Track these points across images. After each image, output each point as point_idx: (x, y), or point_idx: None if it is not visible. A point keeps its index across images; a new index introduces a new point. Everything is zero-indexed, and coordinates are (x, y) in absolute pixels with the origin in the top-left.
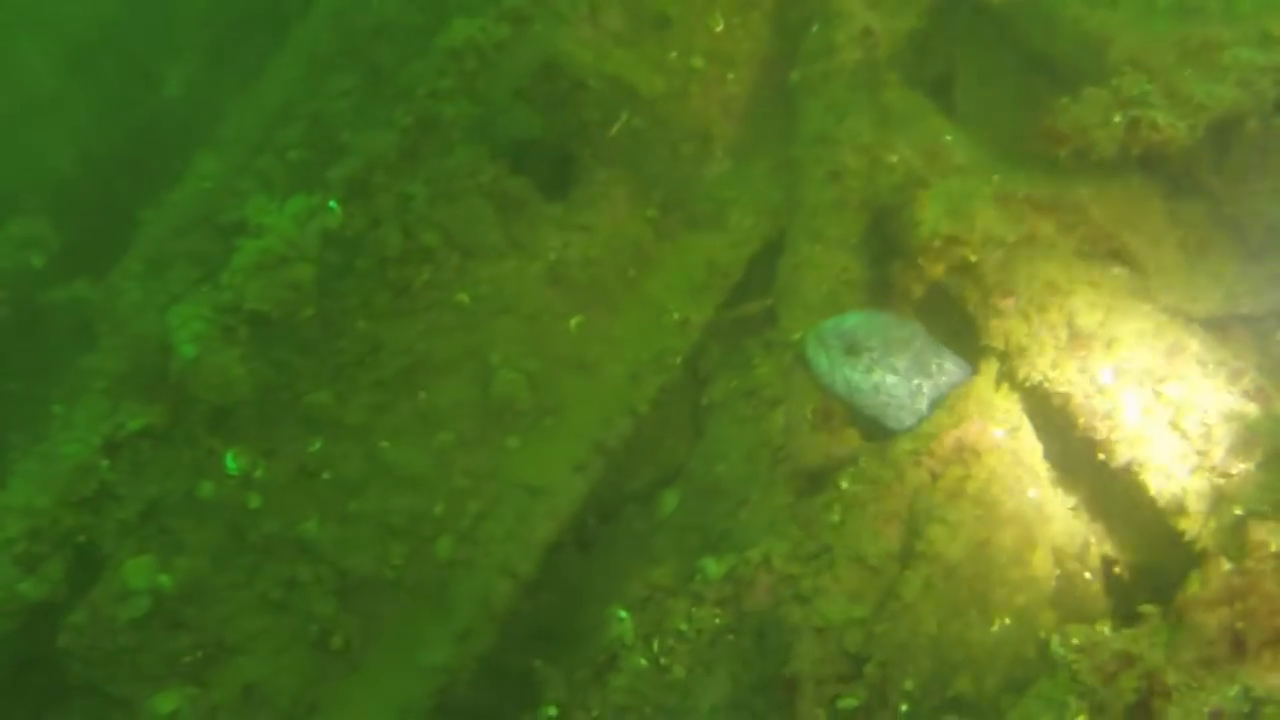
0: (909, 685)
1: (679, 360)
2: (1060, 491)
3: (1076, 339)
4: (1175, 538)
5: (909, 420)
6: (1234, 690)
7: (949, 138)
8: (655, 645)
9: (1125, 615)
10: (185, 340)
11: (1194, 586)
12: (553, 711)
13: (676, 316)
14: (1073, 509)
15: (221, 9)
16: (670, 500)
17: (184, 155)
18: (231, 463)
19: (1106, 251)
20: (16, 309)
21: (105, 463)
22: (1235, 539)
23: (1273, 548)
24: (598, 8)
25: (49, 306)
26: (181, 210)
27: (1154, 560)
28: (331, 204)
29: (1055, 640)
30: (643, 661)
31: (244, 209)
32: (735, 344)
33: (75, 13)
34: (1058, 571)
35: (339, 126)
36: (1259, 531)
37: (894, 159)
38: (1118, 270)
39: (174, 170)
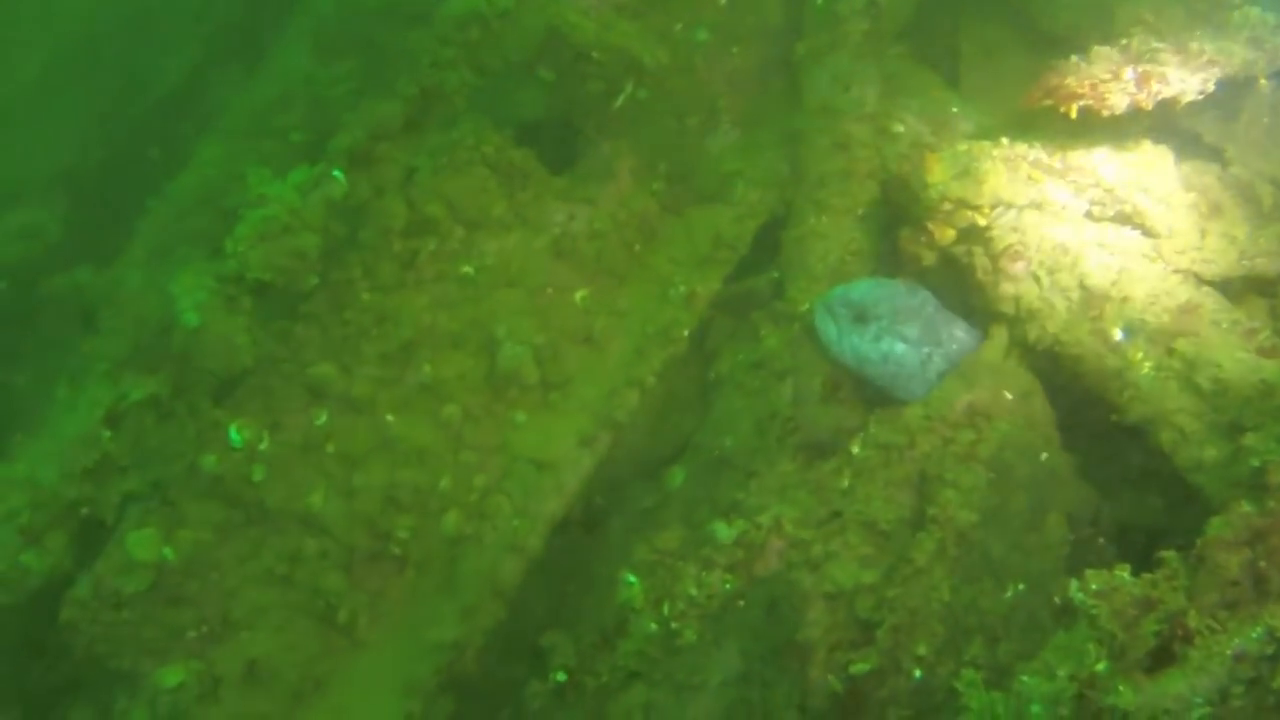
0: (922, 650)
1: (686, 333)
2: (1073, 455)
3: (1089, 300)
4: (1190, 498)
5: (919, 390)
6: (1257, 631)
7: (955, 109)
8: (665, 609)
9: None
10: (188, 309)
11: (1215, 529)
12: (562, 676)
13: (683, 289)
14: (1085, 473)
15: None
16: (678, 475)
17: (187, 144)
18: (235, 435)
19: (1117, 214)
20: (19, 299)
21: (107, 434)
22: (1255, 484)
23: None
24: None
25: (51, 295)
26: (185, 196)
27: (1167, 523)
28: (336, 173)
29: (1074, 586)
30: (652, 625)
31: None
32: (742, 316)
33: (76, 5)
34: (1071, 535)
35: (341, 109)
36: (1279, 474)
37: (900, 129)
38: (1129, 232)
39: (177, 159)
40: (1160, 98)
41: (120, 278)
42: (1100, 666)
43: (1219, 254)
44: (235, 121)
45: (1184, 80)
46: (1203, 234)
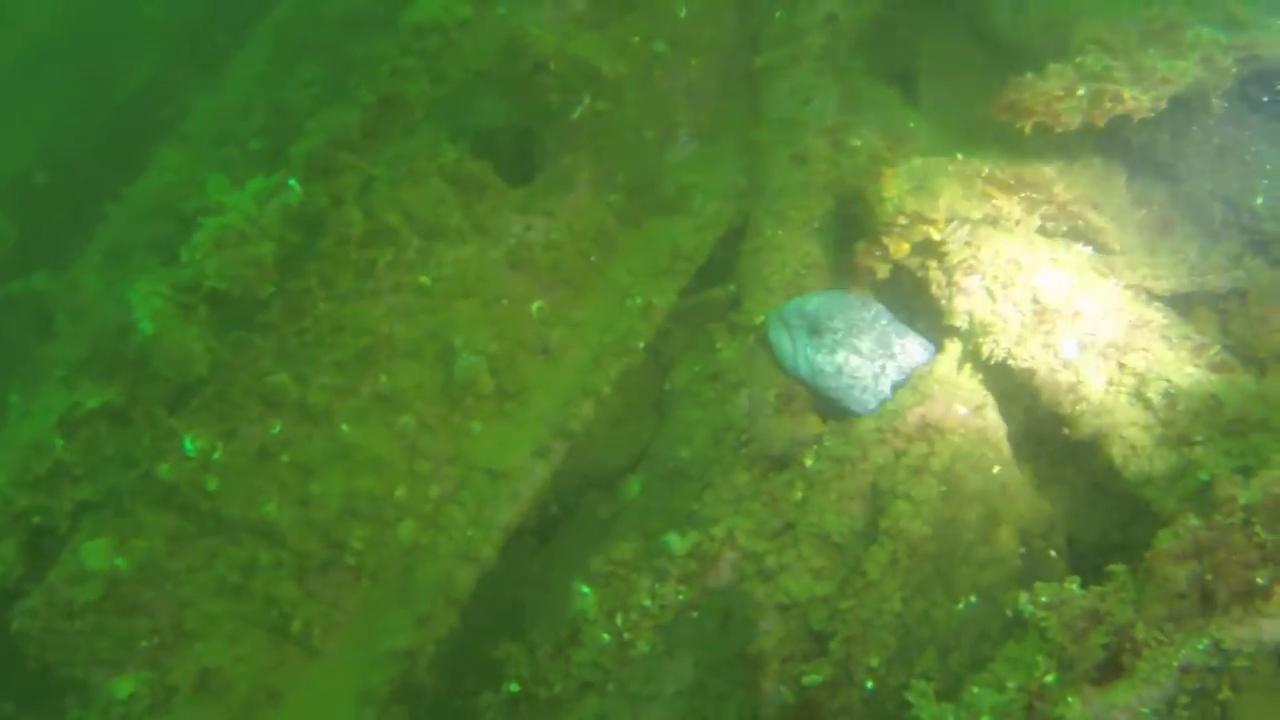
0: (874, 662)
1: (642, 344)
2: (1024, 469)
3: (1041, 314)
4: (1140, 513)
5: (872, 402)
6: (1203, 643)
7: (912, 123)
8: (619, 620)
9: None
10: (144, 316)
11: (1163, 542)
12: (515, 687)
13: (639, 301)
14: (1037, 486)
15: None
16: (634, 485)
17: (146, 150)
18: (190, 444)
19: (1070, 230)
20: None
21: (60, 441)
22: (1203, 498)
23: (1241, 501)
24: None
25: (7, 300)
26: (143, 202)
27: (1118, 537)
28: (291, 181)
29: (1024, 599)
30: (605, 636)
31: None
32: (699, 328)
33: (35, 11)
34: (1023, 549)
35: (302, 116)
36: (1226, 486)
37: (858, 143)
38: (1081, 248)
39: (136, 165)
40: (1113, 115)
41: (77, 282)
42: (1049, 678)
43: (1169, 270)
44: (195, 127)
45: (1137, 98)
46: (1153, 250)
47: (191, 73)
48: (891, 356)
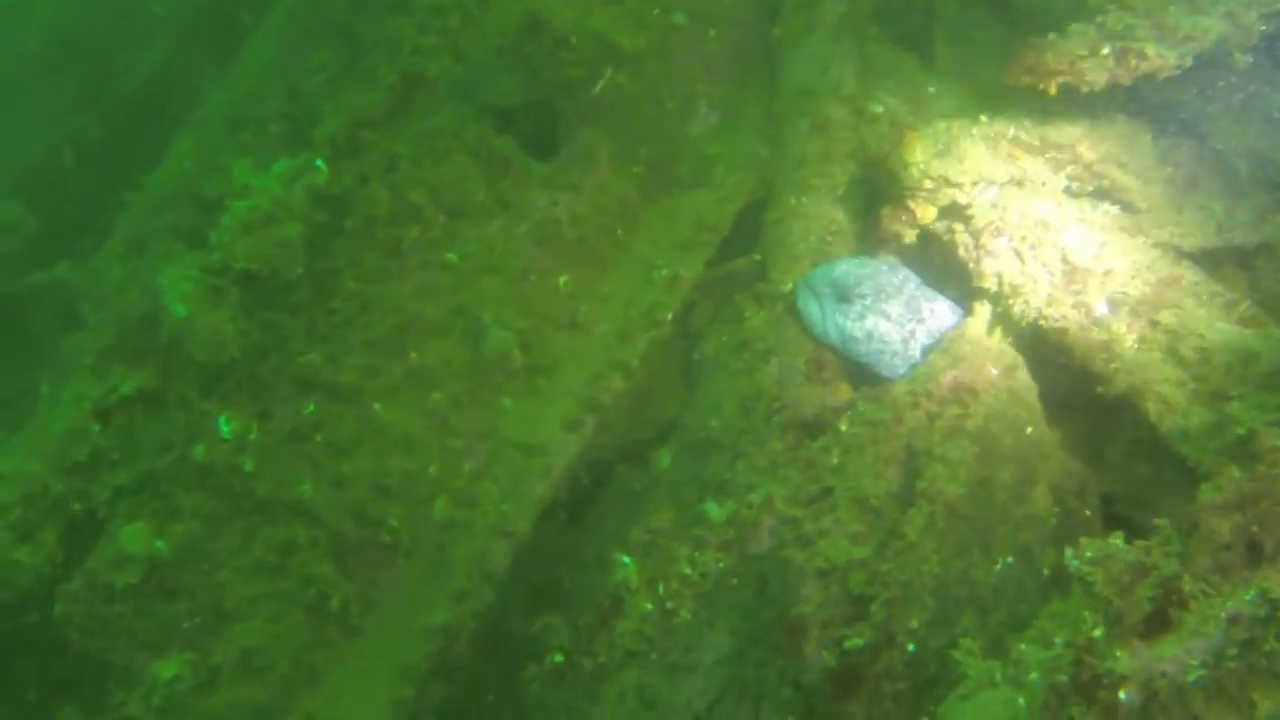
0: (914, 624)
1: (669, 316)
2: (1056, 428)
3: (1071, 274)
4: (1173, 468)
5: (902, 367)
6: (1250, 594)
7: (932, 89)
8: (660, 589)
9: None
10: (175, 300)
11: (1206, 494)
12: (559, 658)
13: (665, 273)
14: (1069, 445)
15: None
16: (664, 457)
17: (161, 138)
18: (225, 426)
19: (1096, 189)
20: None
21: (97, 427)
22: (1244, 452)
23: None
24: None
25: (30, 290)
26: (163, 189)
27: (1151, 493)
28: (318, 162)
29: (1069, 554)
30: (648, 605)
31: (228, 178)
32: (725, 298)
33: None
34: (1057, 508)
35: (319, 99)
36: (1270, 438)
37: (879, 109)
38: (1108, 207)
39: (151, 153)
40: (1139, 73)
41: (100, 272)
42: (1097, 632)
43: (1197, 227)
44: (211, 113)
45: (1162, 56)
46: (1180, 207)
47: (202, 60)
48: (921, 320)
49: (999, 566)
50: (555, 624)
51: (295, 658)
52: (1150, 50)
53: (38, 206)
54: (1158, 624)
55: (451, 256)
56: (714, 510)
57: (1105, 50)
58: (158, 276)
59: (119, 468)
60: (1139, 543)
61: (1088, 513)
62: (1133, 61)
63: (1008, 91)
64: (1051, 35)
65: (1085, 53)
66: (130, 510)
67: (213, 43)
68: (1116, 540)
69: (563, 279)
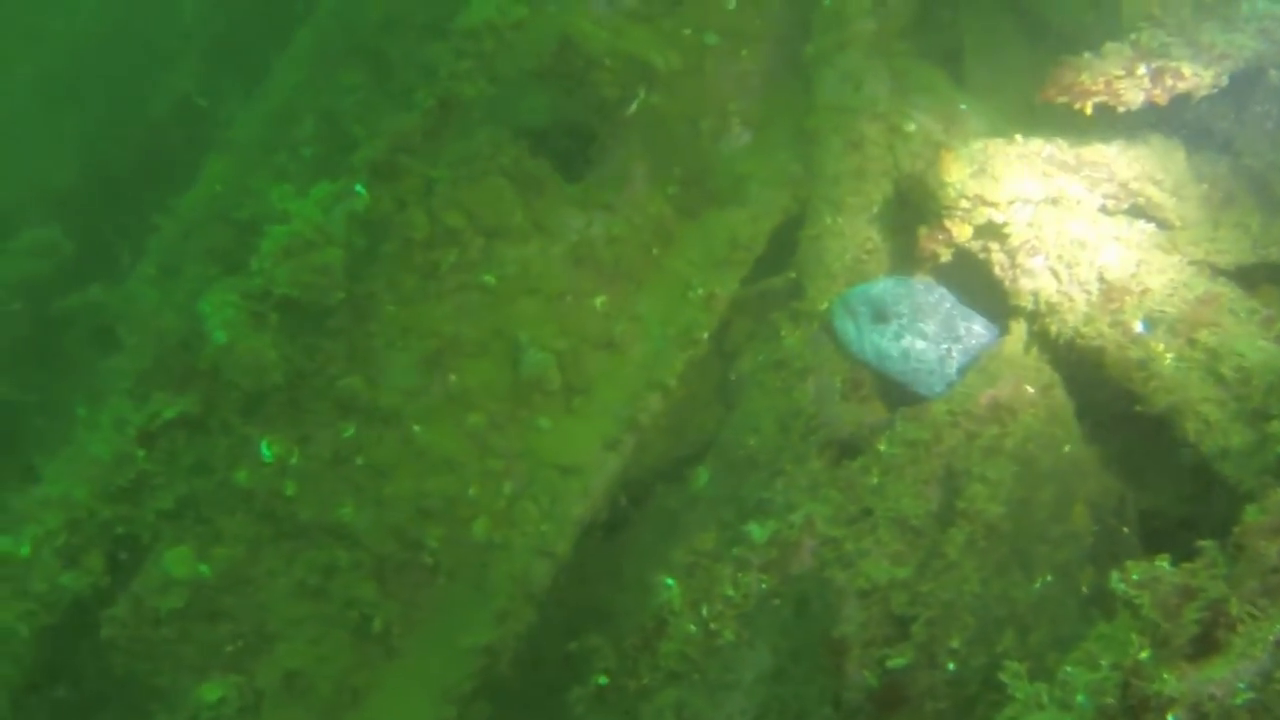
0: (955, 644)
1: (705, 335)
2: (1094, 447)
3: (1108, 292)
4: (1210, 487)
5: (939, 386)
6: None
7: (964, 105)
8: (704, 610)
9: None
10: (217, 326)
11: (1252, 516)
12: (603, 680)
13: (701, 292)
14: (1106, 464)
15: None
16: (702, 475)
17: (189, 161)
18: (266, 450)
19: (1131, 207)
20: (33, 318)
21: (142, 453)
22: None
23: None
24: None
25: (65, 313)
26: (195, 212)
27: (1189, 511)
28: (358, 188)
29: (1115, 577)
30: (691, 627)
31: (264, 202)
32: (761, 317)
33: (70, 25)
34: (1096, 526)
35: (350, 121)
36: None
37: (912, 127)
38: (1144, 225)
39: (180, 176)
40: (1175, 92)
41: (134, 294)
42: (1144, 655)
43: (1232, 243)
44: (242, 136)
45: (1198, 75)
46: (1216, 224)
47: (229, 81)
48: (957, 339)
49: (1038, 585)
50: (599, 645)
51: (338, 679)
52: (1186, 70)
53: (71, 230)
54: (1205, 647)
55: (489, 278)
56: (756, 531)
57: (1141, 70)
58: (198, 302)
59: (162, 492)
60: (1185, 565)
61: (1126, 530)
62: (1169, 81)
63: (1040, 109)
64: (1087, 55)
65: (1121, 72)
66: (174, 534)
67: (240, 63)
68: (1163, 563)
69: (599, 299)
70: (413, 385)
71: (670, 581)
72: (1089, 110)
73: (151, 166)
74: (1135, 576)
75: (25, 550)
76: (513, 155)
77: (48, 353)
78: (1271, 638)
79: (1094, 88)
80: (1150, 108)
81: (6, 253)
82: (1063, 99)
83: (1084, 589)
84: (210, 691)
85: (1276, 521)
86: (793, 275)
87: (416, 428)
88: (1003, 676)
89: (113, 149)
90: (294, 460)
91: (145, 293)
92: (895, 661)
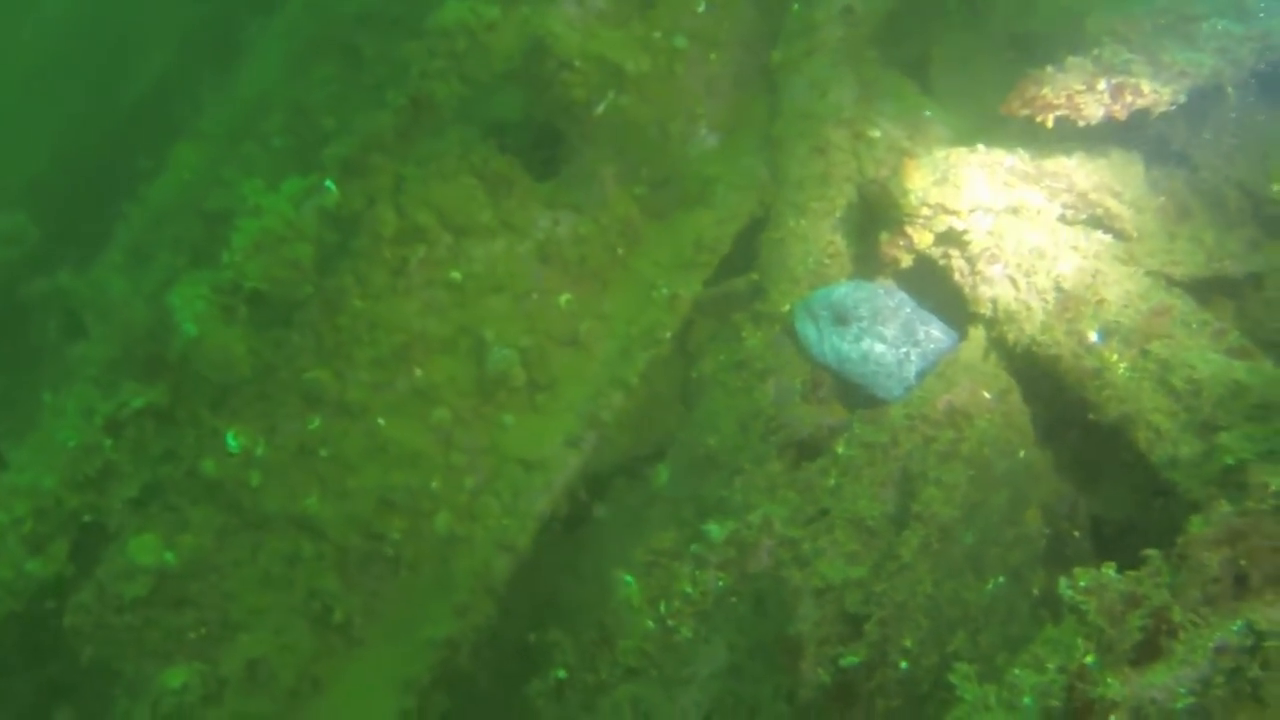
0: (908, 643)
1: (668, 335)
2: (1047, 451)
3: (1064, 302)
4: (1160, 492)
5: (897, 389)
6: (1237, 625)
7: (929, 113)
8: (662, 608)
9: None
10: (187, 319)
11: (1196, 527)
12: (562, 674)
13: (665, 292)
14: (1059, 468)
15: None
16: (663, 473)
17: (158, 148)
18: (233, 441)
19: (1090, 218)
20: None
21: (109, 441)
22: (1232, 482)
23: (1273, 487)
24: None
25: (31, 298)
26: (163, 201)
27: (1139, 516)
28: (328, 183)
29: (1063, 583)
30: (650, 624)
31: (234, 194)
32: (724, 318)
33: (44, 11)
34: (1048, 530)
35: (321, 113)
36: (1259, 474)
37: (876, 134)
38: (1101, 235)
39: (148, 164)
40: (1134, 109)
41: (102, 282)
42: (1089, 659)
43: (1187, 256)
44: (212, 126)
45: (1157, 92)
46: (1172, 237)
47: (201, 70)
48: (916, 343)
49: (990, 586)
50: (558, 640)
51: (300, 668)
52: (1146, 87)
53: (40, 217)
54: (1148, 652)
55: (456, 275)
56: (714, 530)
57: (1102, 85)
58: (168, 294)
59: (129, 481)
60: (1130, 573)
61: (1077, 534)
62: (1129, 97)
63: (1002, 117)
64: (1049, 68)
65: (1082, 87)
66: (140, 523)
67: (212, 52)
68: (1109, 570)
69: (564, 297)
70: (379, 379)
71: (629, 579)
72: (1050, 124)
73: (124, 151)
74: (1082, 583)
75: None
76: (482, 154)
77: (12, 337)
78: (1212, 645)
79: (1055, 101)
80: (1110, 122)
81: None
82: (1025, 112)
83: (1035, 591)
84: (173, 677)
85: (1219, 533)
86: (755, 277)
87: (382, 421)
88: (952, 678)
89: (85, 134)
90: (260, 451)
91: (113, 280)
92: (848, 659)
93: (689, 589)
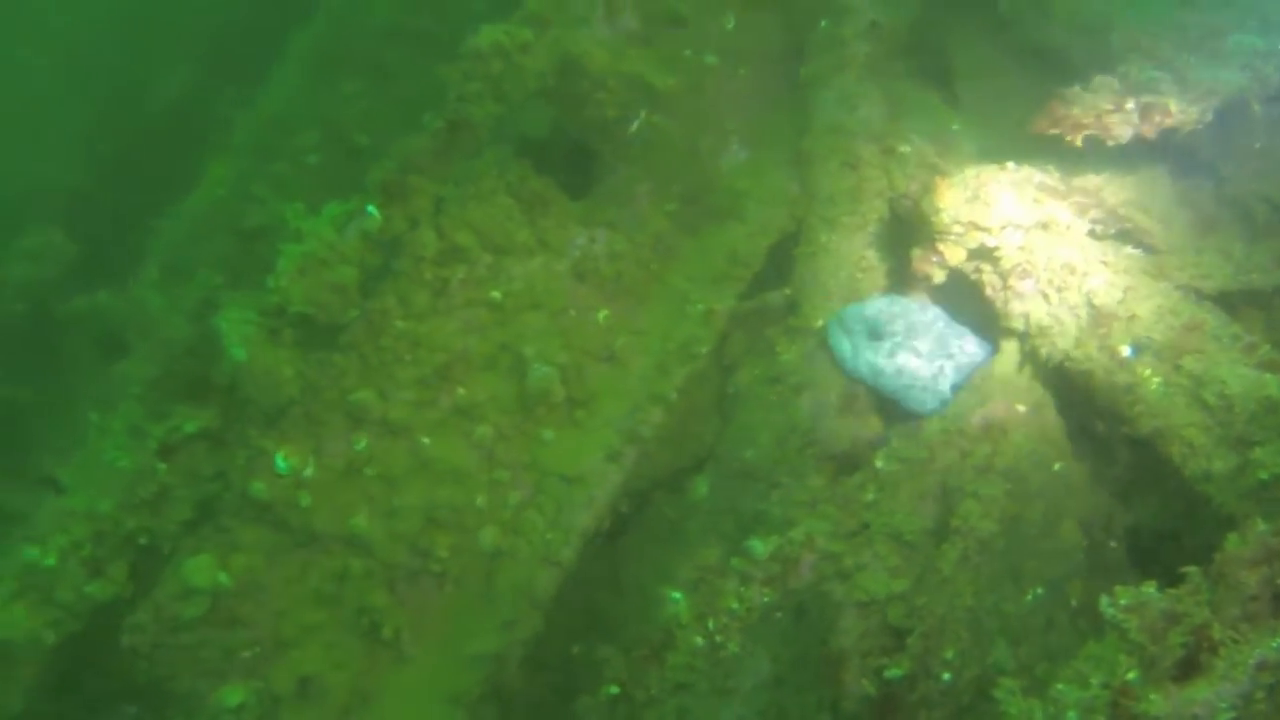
0: (950, 654)
1: (705, 349)
2: (1083, 465)
3: (1096, 317)
4: (1196, 504)
5: (932, 402)
6: (1277, 642)
7: (956, 127)
8: (710, 624)
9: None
10: (236, 343)
11: (1233, 545)
12: (615, 689)
13: (700, 307)
14: (1095, 481)
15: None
16: (701, 486)
17: (185, 162)
18: (282, 462)
19: (1119, 232)
20: (35, 320)
21: (163, 466)
22: (1262, 494)
23: None
24: (614, 9)
25: (70, 316)
26: (198, 217)
27: (1175, 526)
28: (370, 208)
29: (1104, 601)
30: (699, 640)
31: (269, 211)
32: (757, 332)
33: (71, 24)
34: (1085, 541)
35: (352, 129)
36: None
37: (906, 149)
38: (1131, 250)
39: (179, 177)
40: (1162, 128)
41: (141, 299)
42: (1131, 675)
43: (1215, 269)
44: (242, 141)
45: (1184, 111)
46: (1200, 250)
47: (226, 84)
48: (949, 357)
49: (1029, 598)
50: (609, 655)
51: (350, 684)
52: (1174, 106)
53: (74, 232)
54: (1190, 669)
55: (496, 294)
56: (758, 547)
57: (1130, 105)
58: (216, 319)
59: (183, 503)
60: (1170, 591)
61: (1114, 545)
62: (1157, 118)
63: (1029, 131)
64: (1077, 88)
65: (1111, 108)
66: (194, 544)
67: (237, 65)
68: (1150, 588)
69: (602, 314)
70: (422, 398)
71: (677, 595)
72: (1079, 142)
73: (151, 166)
74: (1124, 601)
75: (51, 560)
76: (518, 174)
77: (52, 353)
78: (1252, 661)
79: (1084, 121)
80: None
81: (10, 255)
82: (1054, 131)
83: (1073, 602)
84: (230, 696)
85: (1256, 552)
86: (789, 292)
87: (425, 439)
88: (996, 693)
89: (111, 149)
90: (308, 472)
91: (151, 298)
92: (892, 672)
93: (735, 605)
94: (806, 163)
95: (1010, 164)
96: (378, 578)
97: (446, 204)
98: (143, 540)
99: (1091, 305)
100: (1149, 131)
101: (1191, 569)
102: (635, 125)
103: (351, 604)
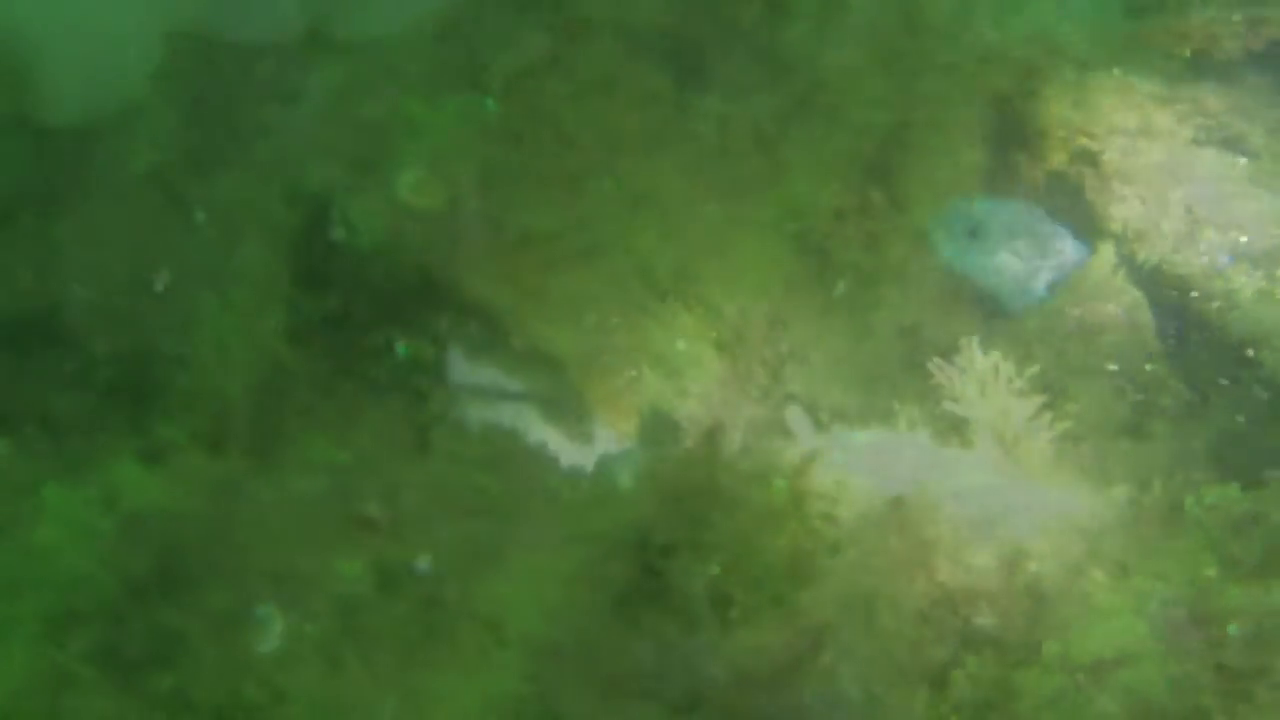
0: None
1: (811, 243)
2: (1174, 366)
3: (1194, 223)
4: None
5: (1029, 300)
6: None
7: (1064, 29)
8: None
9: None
10: (359, 233)
11: None
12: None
13: (808, 201)
14: (1185, 383)
15: None
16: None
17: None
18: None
19: (1221, 140)
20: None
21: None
22: None
23: None
24: None
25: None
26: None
27: (1260, 433)
28: (489, 102)
29: (1189, 500)
30: None
31: (386, 104)
32: (863, 228)
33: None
34: (1172, 442)
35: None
36: None
37: (1015, 52)
38: (1234, 158)
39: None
40: (1271, 40)
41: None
42: (1211, 571)
43: None
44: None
45: None
46: None
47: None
48: (1047, 257)
49: (1115, 494)
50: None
51: None
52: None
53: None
54: (1269, 568)
55: (612, 188)
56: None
57: (1237, 18)
58: (342, 210)
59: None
60: (1252, 493)
61: (1197, 445)
62: (1265, 31)
63: (1144, 41)
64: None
65: (1219, 21)
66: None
67: None
68: (1233, 489)
69: (712, 208)
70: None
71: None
72: (1188, 54)
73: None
74: (1208, 500)
75: None
76: (634, 71)
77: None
78: None
79: (1192, 33)
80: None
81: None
82: (1164, 41)
83: (1158, 499)
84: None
85: None
86: (893, 190)
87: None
88: (1087, 585)
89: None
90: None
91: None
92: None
93: None
94: (912, 64)
95: (1116, 70)
96: None
97: (564, 100)
98: None
99: (1190, 211)
100: (1256, 43)
101: (1275, 472)
102: (748, 19)
103: None
